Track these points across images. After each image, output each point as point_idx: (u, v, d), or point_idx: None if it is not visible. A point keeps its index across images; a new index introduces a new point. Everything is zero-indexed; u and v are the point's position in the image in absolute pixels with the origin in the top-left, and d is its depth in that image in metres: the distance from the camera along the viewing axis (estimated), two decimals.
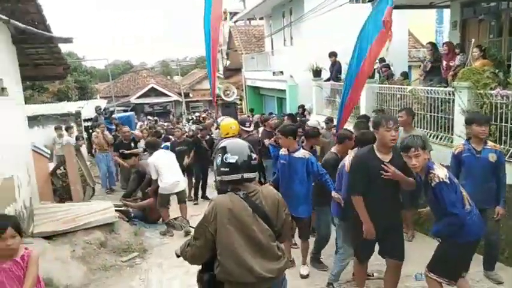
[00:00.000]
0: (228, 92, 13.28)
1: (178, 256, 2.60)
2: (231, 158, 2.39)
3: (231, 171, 2.39)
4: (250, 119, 10.63)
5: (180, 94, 31.53)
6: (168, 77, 39.61)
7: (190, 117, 22.07)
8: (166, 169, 6.40)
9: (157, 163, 6.37)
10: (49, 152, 7.67)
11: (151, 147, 6.70)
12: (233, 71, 24.14)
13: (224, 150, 2.43)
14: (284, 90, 14.10)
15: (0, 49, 5.48)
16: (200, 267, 2.50)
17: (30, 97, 18.78)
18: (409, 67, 13.83)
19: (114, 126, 11.77)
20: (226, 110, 12.98)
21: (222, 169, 2.41)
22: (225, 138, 6.10)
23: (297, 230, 4.70)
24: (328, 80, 10.88)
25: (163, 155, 6.62)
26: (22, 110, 6.26)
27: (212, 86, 10.47)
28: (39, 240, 5.33)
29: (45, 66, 7.37)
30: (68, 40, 6.25)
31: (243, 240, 2.33)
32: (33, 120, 11.11)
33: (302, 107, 11.78)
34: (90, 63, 30.65)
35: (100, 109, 12.33)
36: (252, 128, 6.48)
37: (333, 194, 4.19)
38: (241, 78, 20.21)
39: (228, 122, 6.67)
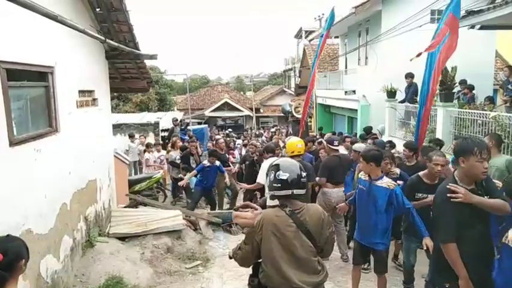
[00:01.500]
0: (299, 109, 13.29)
1: (230, 257, 2.84)
2: (283, 175, 2.61)
3: (282, 187, 2.60)
4: (319, 138, 10.64)
5: (251, 109, 32.28)
6: (241, 93, 40.72)
7: (257, 133, 22.48)
8: None
9: None
10: (129, 159, 8.29)
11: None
12: (304, 89, 24.17)
13: (277, 167, 2.65)
14: (355, 110, 13.84)
15: (95, 64, 6.09)
16: (251, 271, 2.75)
17: (116, 106, 20.38)
18: (495, 91, 12.85)
19: (187, 137, 12.38)
20: (296, 127, 13.02)
21: (275, 185, 2.63)
22: (291, 157, 6.19)
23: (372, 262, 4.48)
24: (403, 101, 10.49)
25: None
26: (109, 119, 6.87)
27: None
28: (114, 240, 5.76)
29: (131, 80, 8.03)
30: (153, 57, 6.77)
31: (284, 252, 2.52)
32: (117, 128, 12.07)
33: (369, 129, 11.41)
34: (170, 76, 32.58)
35: (176, 120, 13.06)
36: (340, 147, 6.26)
37: (426, 241, 3.68)
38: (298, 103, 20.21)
39: (294, 141, 6.64)
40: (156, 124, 12.98)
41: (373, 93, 12.19)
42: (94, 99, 6.07)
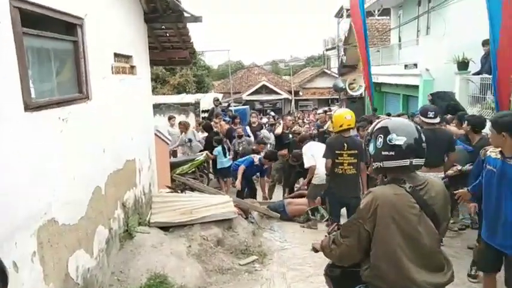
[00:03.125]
0: (354, 86, 11.98)
1: (316, 251, 2.43)
2: (397, 140, 2.02)
3: (397, 156, 2.03)
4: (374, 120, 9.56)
5: (290, 92, 31.07)
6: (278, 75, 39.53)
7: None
8: (320, 160, 5.65)
9: (314, 152, 6.24)
10: (170, 138, 7.49)
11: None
12: (349, 68, 22.73)
13: (386, 130, 2.07)
14: (413, 87, 12.43)
15: (133, 26, 5.22)
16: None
17: (154, 89, 19.83)
18: None
19: (228, 118, 11.53)
20: (352, 105, 11.75)
21: (385, 153, 2.06)
22: (339, 132, 5.17)
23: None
24: (478, 73, 9.07)
25: (318, 145, 6.46)
26: (149, 91, 6.03)
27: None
28: (156, 230, 4.94)
29: (172, 50, 7.16)
30: (197, 19, 5.84)
31: (405, 243, 1.98)
32: (156, 109, 11.34)
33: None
34: (207, 60, 31.77)
35: (218, 100, 12.21)
36: (438, 120, 5.14)
37: None
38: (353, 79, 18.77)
39: (341, 112, 5.54)
40: (197, 104, 12.17)
41: (438, 66, 10.79)
42: (132, 67, 5.21)
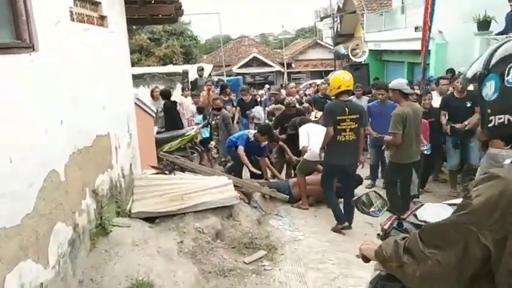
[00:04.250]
0: (357, 52, 10.90)
1: (367, 260, 1.63)
2: None
3: None
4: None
5: (282, 64, 29.80)
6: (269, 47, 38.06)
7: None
8: (317, 140, 5.31)
9: (310, 131, 5.81)
10: (154, 110, 6.40)
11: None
12: (344, 37, 21.57)
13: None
14: (420, 53, 11.36)
15: None
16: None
17: (138, 61, 18.53)
18: None
19: (219, 89, 10.41)
20: (355, 73, 10.67)
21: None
22: (337, 95, 4.72)
23: None
24: (501, 33, 8.07)
25: (317, 126, 5.98)
26: (125, 50, 4.90)
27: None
28: (139, 222, 3.94)
29: (154, 5, 5.98)
30: None
31: None
32: (139, 79, 10.18)
33: (452, 71, 9.10)
34: (195, 31, 30.09)
35: (202, 69, 11.02)
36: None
37: None
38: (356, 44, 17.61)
39: (339, 73, 5.10)
40: (185, 74, 10.98)
41: (452, 28, 9.73)
42: (102, 17, 4.09)
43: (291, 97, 7.37)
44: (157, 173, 5.14)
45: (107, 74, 4.09)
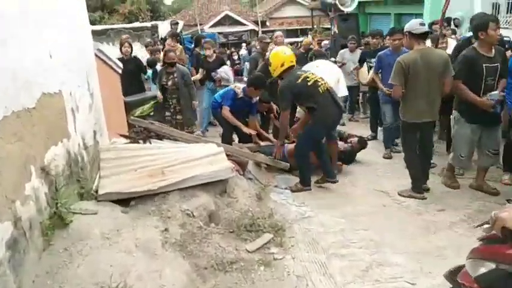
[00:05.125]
0: (345, 0, 9.88)
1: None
2: None
3: None
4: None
5: (256, 23, 28.33)
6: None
7: None
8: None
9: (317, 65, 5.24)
10: (121, 66, 5.33)
11: None
12: None
13: None
14: (409, 2, 10.53)
15: None
16: None
17: (100, 19, 16.86)
18: None
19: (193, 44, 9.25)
20: (344, 24, 9.72)
21: None
22: (282, 74, 4.40)
23: None
24: None
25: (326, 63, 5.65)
26: None
27: None
28: (109, 206, 3.05)
29: None
30: None
31: None
32: (102, 36, 8.91)
33: (449, 20, 8.27)
34: None
35: (176, 23, 9.80)
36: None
37: None
38: None
39: (276, 51, 4.62)
40: (155, 28, 9.72)
41: None
42: None
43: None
44: (129, 143, 4.18)
45: (54, 11, 3.04)
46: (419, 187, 4.00)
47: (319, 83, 4.26)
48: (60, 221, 2.67)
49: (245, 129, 5.08)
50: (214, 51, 7.22)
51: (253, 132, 5.08)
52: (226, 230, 3.18)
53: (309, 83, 4.25)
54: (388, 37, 5.92)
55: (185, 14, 28.20)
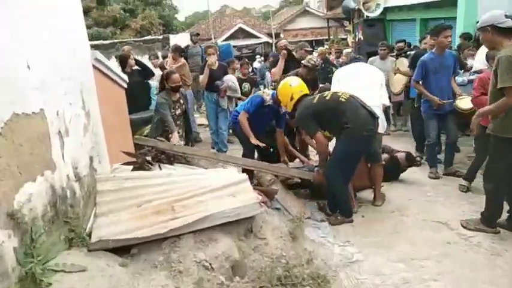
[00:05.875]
0: (370, 4, 9.19)
1: None
2: None
3: None
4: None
5: (269, 35, 27.85)
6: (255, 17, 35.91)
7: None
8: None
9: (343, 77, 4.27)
10: (126, 79, 4.70)
11: None
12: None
13: None
14: (436, 4, 9.74)
15: None
16: None
17: (112, 35, 16.54)
18: None
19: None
20: (370, 30, 9.03)
21: None
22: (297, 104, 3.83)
23: None
24: None
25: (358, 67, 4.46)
26: None
27: None
28: (103, 259, 2.34)
29: None
30: None
31: None
32: (111, 49, 8.38)
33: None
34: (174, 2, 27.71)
35: (197, 34, 9.20)
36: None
37: None
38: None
39: (282, 85, 4.06)
40: (166, 39, 9.16)
41: None
42: None
43: (312, 56, 5.52)
44: (134, 168, 3.51)
45: (36, 4, 2.42)
46: (492, 221, 3.20)
47: (339, 93, 3.65)
48: (33, 286, 1.98)
49: (253, 140, 4.29)
50: (215, 57, 5.98)
51: (261, 144, 4.27)
52: (255, 285, 2.45)
53: (327, 98, 3.66)
54: (429, 37, 5.14)
55: (198, 28, 27.90)
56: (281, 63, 5.37)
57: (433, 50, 4.63)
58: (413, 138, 6.32)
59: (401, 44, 7.55)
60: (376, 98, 3.98)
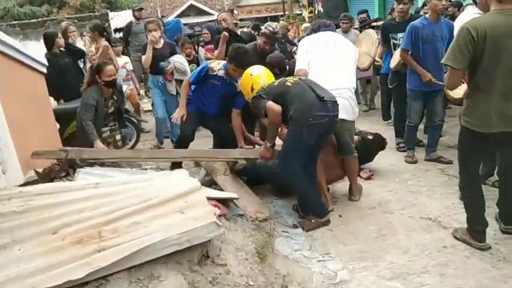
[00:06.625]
0: None
1: None
2: None
3: None
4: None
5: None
6: None
7: None
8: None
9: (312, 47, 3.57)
10: (46, 64, 3.79)
11: None
12: None
13: None
14: None
15: None
16: None
17: (49, 14, 14.95)
18: None
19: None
20: (330, 2, 8.42)
21: None
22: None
23: None
24: None
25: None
26: None
27: None
28: None
29: None
30: None
31: None
32: (39, 28, 7.26)
33: None
34: None
35: (140, 9, 8.12)
36: None
37: None
38: None
39: (243, 76, 3.38)
40: (105, 15, 8.08)
41: None
42: None
43: (271, 23, 4.71)
44: (42, 177, 2.73)
45: None
46: (479, 232, 2.68)
47: (287, 79, 3.13)
48: None
49: (179, 110, 3.67)
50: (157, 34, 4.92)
51: (178, 116, 3.64)
52: None
53: (275, 84, 3.12)
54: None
55: (146, 7, 26.25)
56: (221, 48, 4.47)
57: (427, 16, 4.02)
58: (381, 118, 5.90)
59: (363, 15, 6.96)
60: (348, 80, 3.38)
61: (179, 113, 3.70)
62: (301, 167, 2.99)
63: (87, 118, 3.48)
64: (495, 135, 2.39)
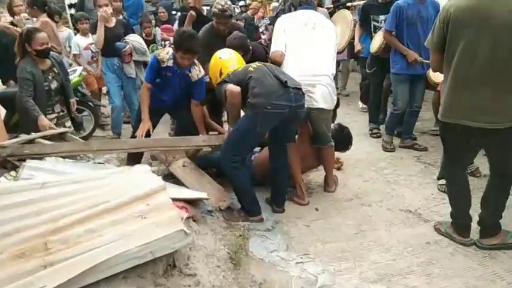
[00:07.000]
0: None
1: None
2: None
3: None
4: None
5: None
6: None
7: None
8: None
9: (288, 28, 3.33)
10: None
11: None
12: None
13: None
14: None
15: None
16: None
17: None
18: None
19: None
20: None
21: None
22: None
23: None
24: None
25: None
26: None
27: None
28: None
29: None
30: None
31: None
32: None
33: None
34: None
35: None
36: None
37: None
38: None
39: (212, 60, 3.14)
40: None
41: None
42: None
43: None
44: None
45: None
46: (464, 227, 2.55)
47: (251, 64, 2.96)
48: None
49: (143, 126, 3.26)
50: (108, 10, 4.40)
51: (142, 132, 3.24)
52: None
53: (239, 69, 2.93)
54: None
55: None
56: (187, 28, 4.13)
57: None
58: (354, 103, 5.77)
59: None
60: (328, 65, 3.14)
61: (143, 129, 3.25)
62: (243, 157, 2.80)
63: (26, 94, 3.10)
64: (478, 130, 2.24)
